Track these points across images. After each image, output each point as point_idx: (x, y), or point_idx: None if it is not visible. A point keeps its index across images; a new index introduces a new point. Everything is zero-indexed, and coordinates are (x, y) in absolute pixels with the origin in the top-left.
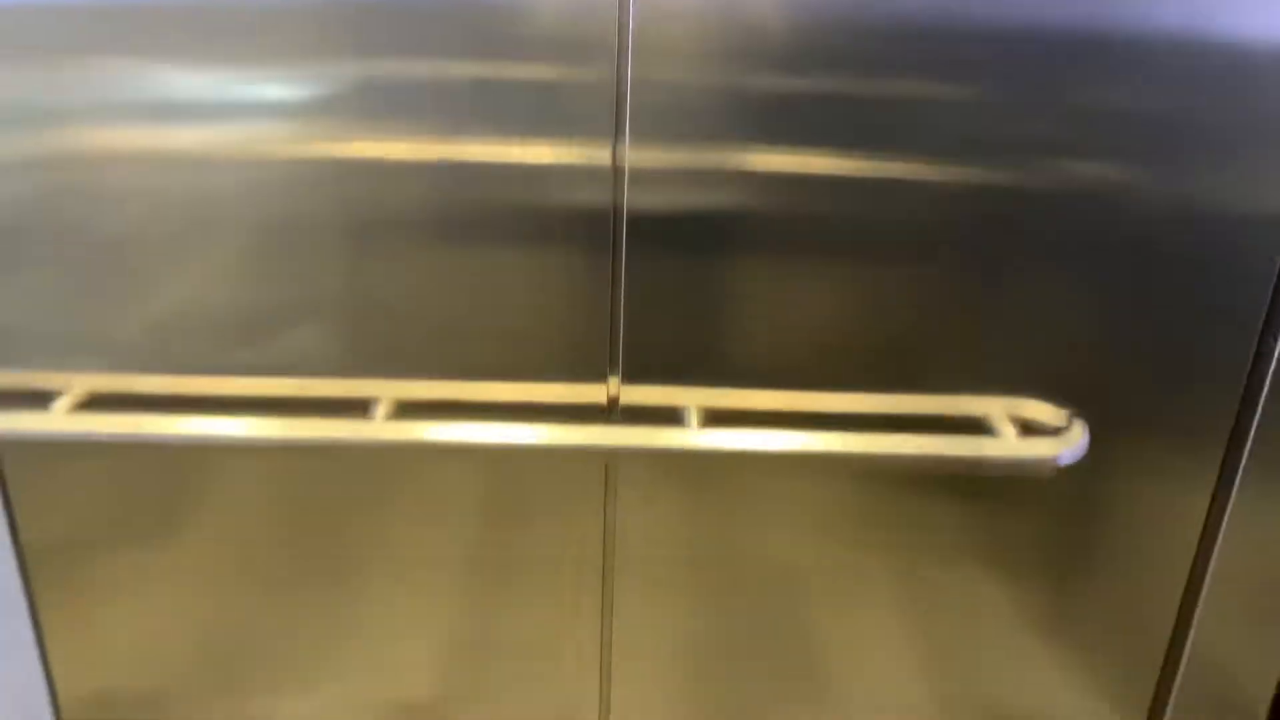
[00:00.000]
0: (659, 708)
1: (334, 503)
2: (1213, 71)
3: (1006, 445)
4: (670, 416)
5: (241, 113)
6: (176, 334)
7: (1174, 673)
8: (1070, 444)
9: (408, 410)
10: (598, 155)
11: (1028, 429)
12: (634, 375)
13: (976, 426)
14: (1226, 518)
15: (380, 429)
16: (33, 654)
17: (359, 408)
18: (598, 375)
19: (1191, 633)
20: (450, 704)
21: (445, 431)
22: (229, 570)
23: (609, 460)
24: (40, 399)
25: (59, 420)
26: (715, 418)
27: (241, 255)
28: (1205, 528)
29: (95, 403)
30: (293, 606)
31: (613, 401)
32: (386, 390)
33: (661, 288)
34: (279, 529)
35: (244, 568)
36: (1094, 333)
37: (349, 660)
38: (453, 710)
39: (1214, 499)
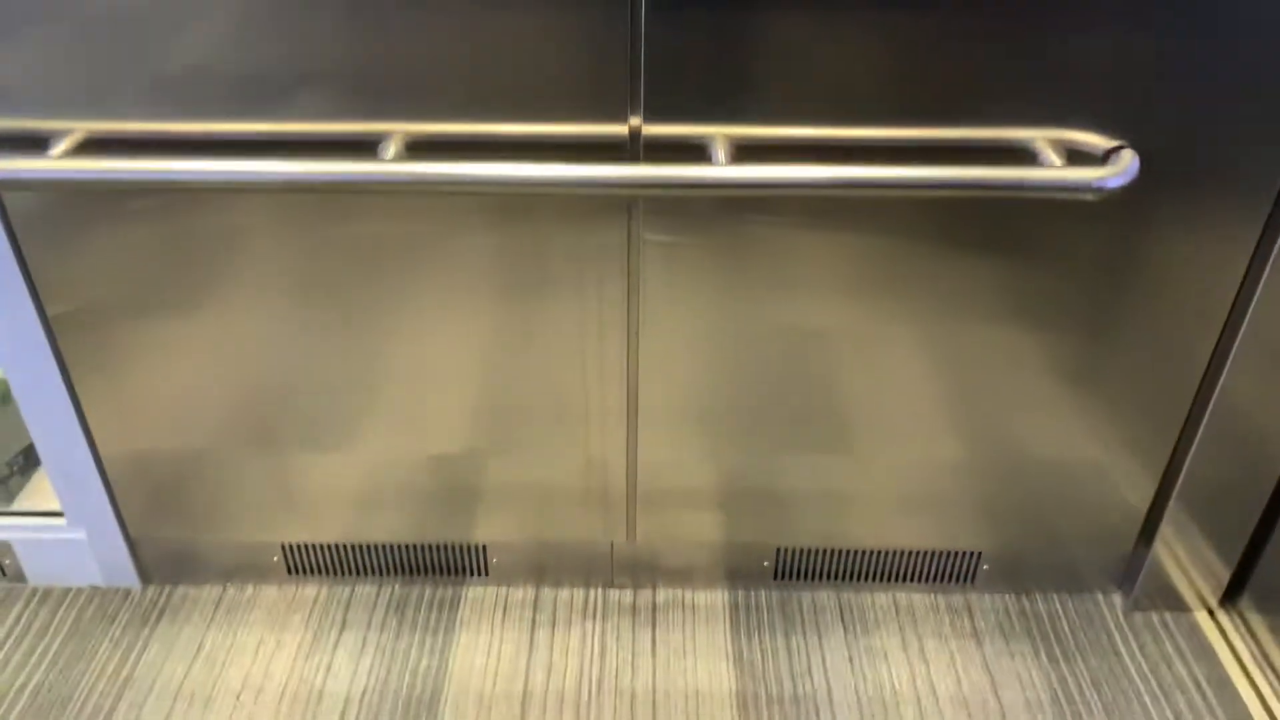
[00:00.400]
0: (685, 457)
1: (360, 262)
2: None
3: (1052, 170)
4: (696, 153)
5: None
6: (180, 91)
7: (1197, 424)
8: (1118, 169)
9: (422, 151)
10: None
11: (1075, 158)
12: (657, 112)
13: (1021, 159)
14: (1267, 270)
15: (390, 167)
16: (72, 420)
17: (373, 150)
18: (619, 112)
19: (1219, 384)
20: (482, 456)
21: (458, 169)
22: (257, 331)
23: (632, 199)
24: (40, 144)
25: (57, 163)
26: (744, 153)
27: (246, 8)
28: (1244, 280)
29: (96, 146)
30: (322, 365)
31: (634, 136)
32: (398, 128)
33: (684, 19)
34: (305, 290)
35: (272, 329)
36: (1148, 70)
37: (381, 416)
38: (485, 462)
39: (1256, 251)
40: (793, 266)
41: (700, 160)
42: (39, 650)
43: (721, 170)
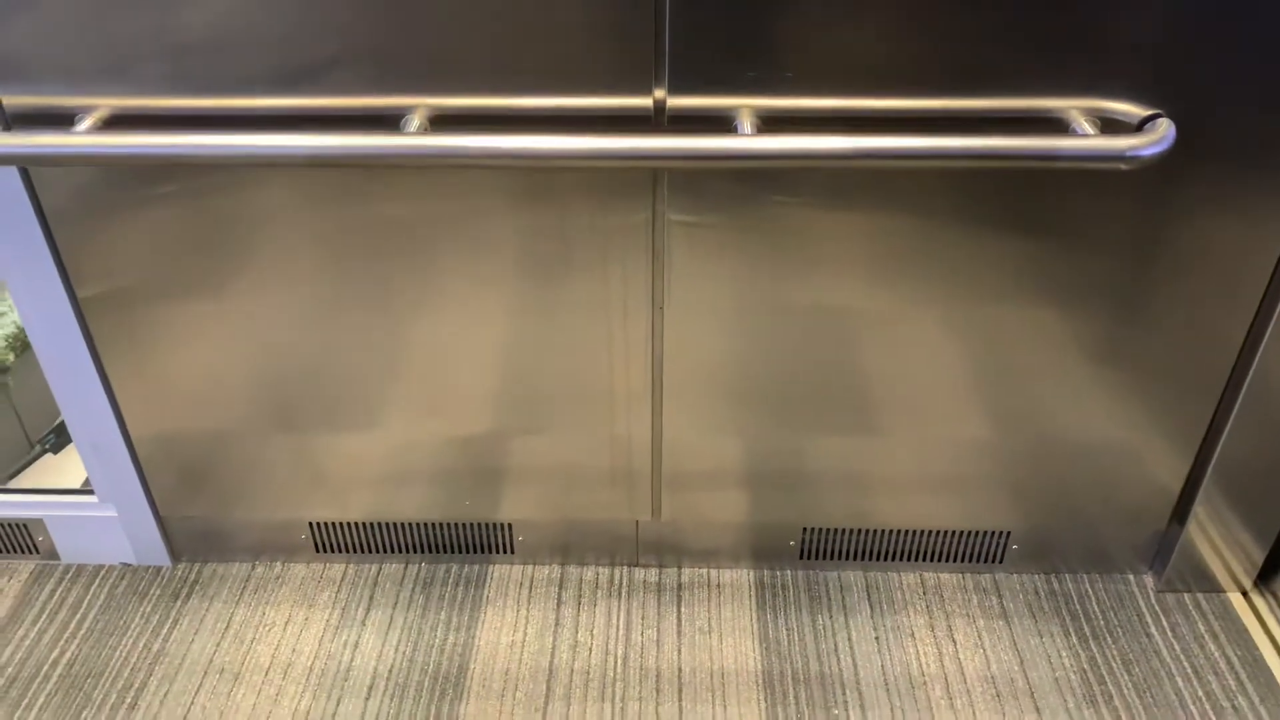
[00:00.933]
0: (711, 437)
1: (384, 243)
2: None
3: (1085, 139)
4: (722, 125)
5: None
6: (203, 67)
7: (1232, 402)
8: (1154, 137)
9: (446, 125)
10: None
11: (1109, 129)
12: (682, 84)
13: (1054, 129)
14: None
15: (413, 140)
16: (103, 399)
17: (396, 124)
18: (643, 85)
19: (1255, 361)
20: (508, 435)
21: (481, 142)
22: (283, 312)
23: (657, 171)
24: (66, 121)
25: (83, 139)
26: (770, 125)
27: None
28: None
29: (120, 122)
30: (347, 345)
31: (659, 109)
32: (421, 103)
33: None
34: (329, 271)
35: (297, 309)
36: (1186, 36)
37: (406, 395)
38: (511, 441)
39: None
40: (817, 245)
41: (726, 132)
42: (72, 626)
43: (747, 141)
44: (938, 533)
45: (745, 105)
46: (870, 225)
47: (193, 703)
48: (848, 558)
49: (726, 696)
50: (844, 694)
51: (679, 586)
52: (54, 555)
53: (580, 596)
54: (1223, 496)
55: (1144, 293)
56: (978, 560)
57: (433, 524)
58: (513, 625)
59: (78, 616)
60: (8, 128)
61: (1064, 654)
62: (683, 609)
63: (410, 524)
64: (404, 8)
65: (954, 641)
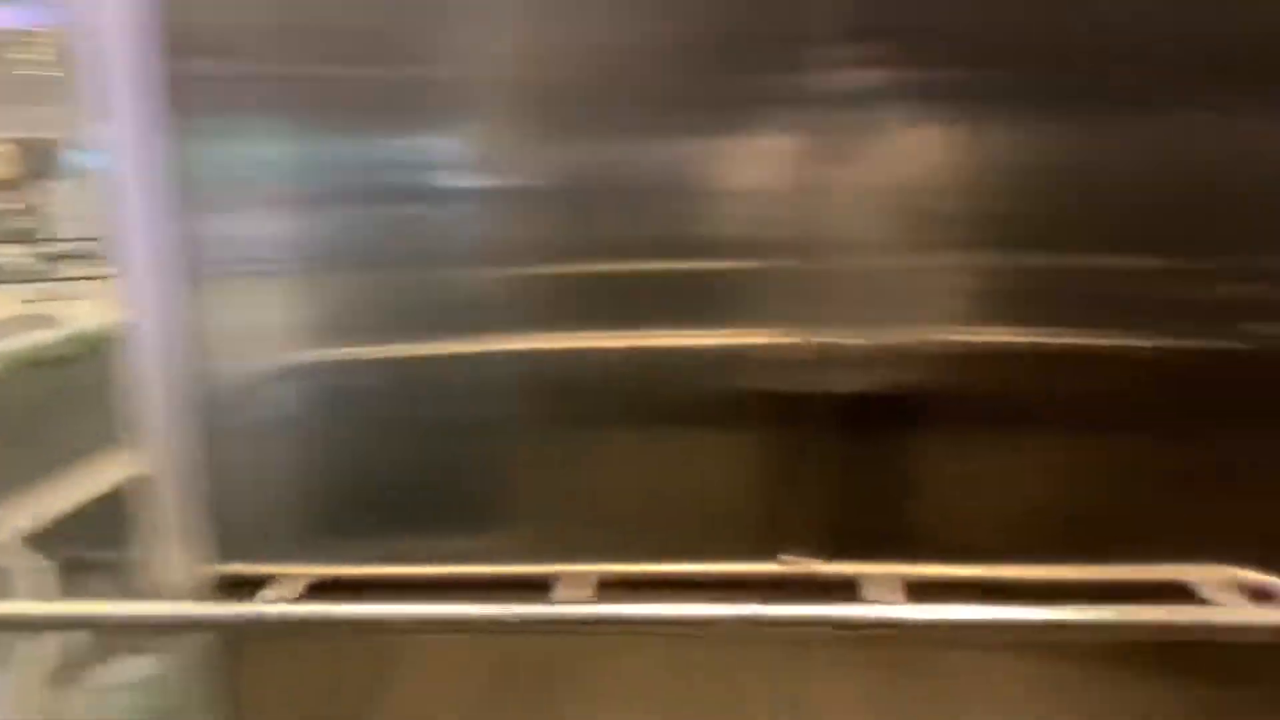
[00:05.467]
0: None
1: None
2: None
3: (1242, 612)
4: (859, 590)
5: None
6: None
7: None
8: None
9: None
10: (788, 340)
11: (1258, 596)
12: (827, 552)
13: (1180, 597)
14: None
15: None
16: None
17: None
18: (782, 550)
19: None
20: None
21: (651, 610)
22: None
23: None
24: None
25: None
26: (912, 591)
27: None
28: None
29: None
30: None
31: (799, 578)
32: (567, 570)
33: (854, 466)
34: None
35: None
36: None
37: None
38: None
39: None
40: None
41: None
42: None
43: (883, 609)
44: None
45: (887, 572)
46: (1006, 680)
47: None
48: None
49: None
50: None
51: None
52: None
53: None
54: None
55: None
56: None
57: None
58: None
59: None
60: None
61: None
62: None
63: None
64: (568, 497)
65: None
